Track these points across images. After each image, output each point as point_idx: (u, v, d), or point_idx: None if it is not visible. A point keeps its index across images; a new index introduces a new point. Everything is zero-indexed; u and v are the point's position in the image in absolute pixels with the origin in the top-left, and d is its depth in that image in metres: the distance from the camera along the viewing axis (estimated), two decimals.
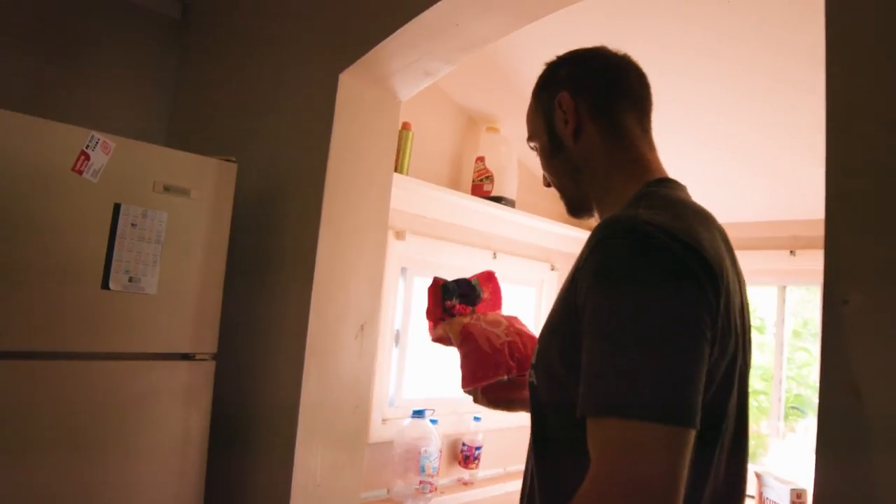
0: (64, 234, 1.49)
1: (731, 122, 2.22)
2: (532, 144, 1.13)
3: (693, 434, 0.72)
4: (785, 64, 1.89)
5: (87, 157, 1.50)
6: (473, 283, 1.28)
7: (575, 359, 0.80)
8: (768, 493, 2.33)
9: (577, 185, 1.07)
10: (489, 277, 1.33)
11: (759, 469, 2.46)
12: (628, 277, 0.77)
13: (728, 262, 0.89)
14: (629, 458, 0.71)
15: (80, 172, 1.49)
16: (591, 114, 1.02)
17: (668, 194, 0.94)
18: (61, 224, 1.49)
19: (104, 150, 1.52)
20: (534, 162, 2.94)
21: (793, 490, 2.22)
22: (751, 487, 2.44)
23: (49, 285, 1.46)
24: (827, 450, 0.79)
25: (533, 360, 0.97)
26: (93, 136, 1.51)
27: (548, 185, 1.15)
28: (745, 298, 0.97)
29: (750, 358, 0.95)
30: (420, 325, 2.58)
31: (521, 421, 2.86)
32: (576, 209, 1.11)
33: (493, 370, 1.18)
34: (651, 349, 0.73)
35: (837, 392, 0.79)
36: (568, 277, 0.91)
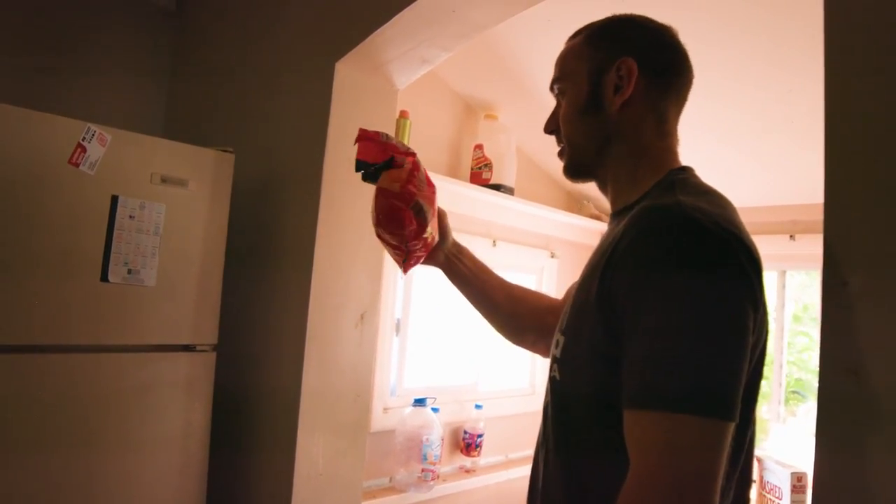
0: (62, 227, 1.49)
1: (729, 109, 2.21)
2: (558, 87, 1.03)
3: (732, 427, 0.72)
4: (782, 50, 1.88)
5: (84, 150, 1.49)
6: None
7: (610, 350, 0.79)
8: (769, 477, 2.34)
9: (597, 153, 0.99)
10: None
11: (760, 453, 2.47)
12: (678, 268, 0.75)
13: None
14: (673, 454, 0.70)
15: (77, 165, 1.49)
16: (646, 93, 0.95)
17: (696, 182, 0.92)
18: (59, 217, 1.48)
19: (101, 143, 1.51)
20: (532, 149, 2.94)
21: (793, 473, 2.23)
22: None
23: (48, 278, 1.46)
24: (826, 432, 0.80)
25: (556, 353, 0.94)
26: (89, 129, 1.50)
27: (551, 132, 1.06)
28: None
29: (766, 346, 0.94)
30: (420, 314, 2.59)
31: (523, 408, 2.88)
32: (577, 172, 1.04)
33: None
34: (700, 344, 0.72)
35: (837, 374, 0.79)
36: (593, 266, 0.87)
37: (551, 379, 0.94)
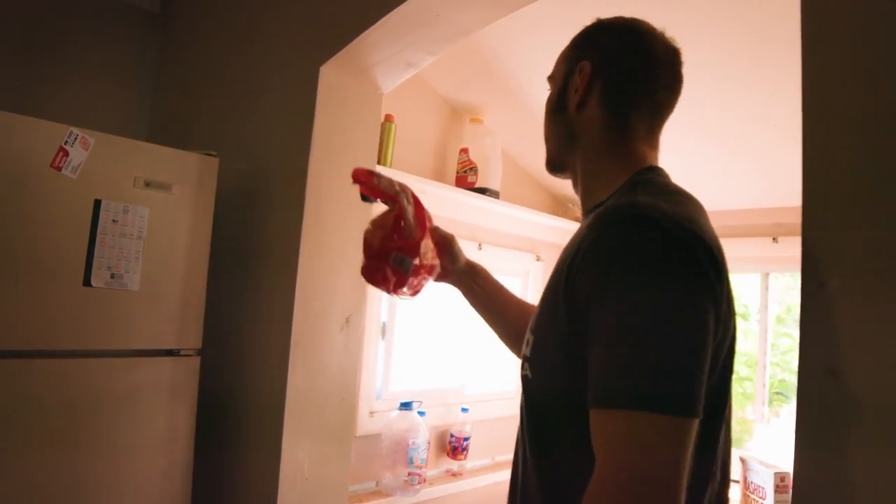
0: (44, 232, 1.47)
1: (713, 110, 2.23)
2: (549, 86, 1.09)
3: (696, 424, 0.72)
4: (766, 50, 1.90)
5: (66, 154, 1.48)
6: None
7: (574, 348, 0.80)
8: (752, 477, 2.35)
9: (566, 149, 1.04)
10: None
11: (744, 454, 2.49)
12: (635, 268, 0.76)
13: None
14: (637, 451, 0.71)
15: (59, 169, 1.48)
16: (601, 97, 0.98)
17: (661, 182, 0.94)
18: (41, 221, 1.47)
19: (83, 146, 1.51)
20: (517, 152, 2.95)
21: (776, 473, 2.25)
22: (736, 472, 2.47)
23: (30, 283, 1.45)
24: (806, 431, 0.81)
25: (526, 352, 0.95)
26: (71, 132, 1.49)
27: None
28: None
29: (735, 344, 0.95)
30: (406, 318, 2.59)
31: (509, 411, 2.88)
32: (554, 167, 1.09)
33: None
34: (659, 342, 0.73)
35: (815, 374, 0.80)
36: (560, 267, 0.89)
37: (523, 377, 0.95)
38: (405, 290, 1.20)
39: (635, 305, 0.75)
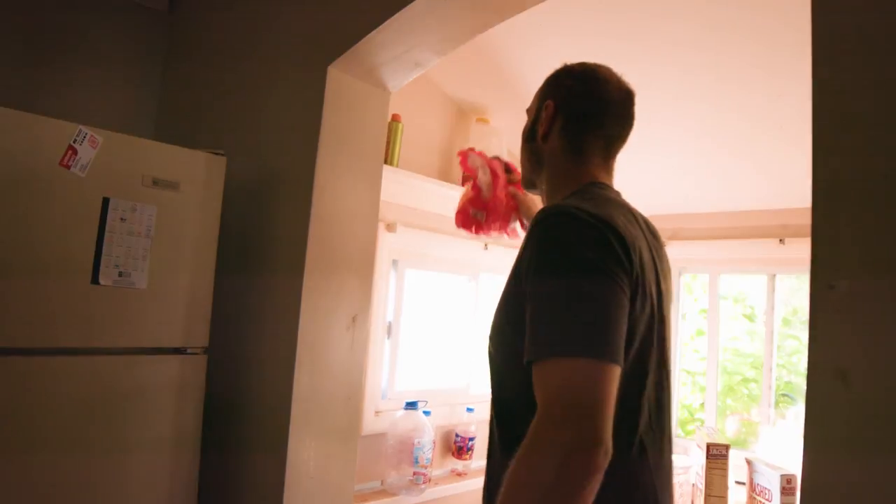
0: (52, 230, 1.48)
1: (719, 113, 2.22)
2: (526, 116, 1.31)
3: (618, 370, 0.89)
4: (772, 54, 1.89)
5: (75, 152, 1.49)
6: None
7: (523, 324, 0.96)
8: (759, 479, 2.35)
9: (535, 172, 1.27)
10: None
11: (750, 456, 2.48)
12: (558, 247, 0.96)
13: (644, 244, 1.06)
14: (568, 389, 0.86)
15: (68, 167, 1.49)
16: (562, 130, 1.20)
17: (596, 192, 1.13)
18: (49, 219, 1.48)
19: (91, 145, 1.51)
20: None
21: (783, 476, 2.24)
22: (742, 474, 2.46)
23: (38, 281, 1.46)
24: (814, 434, 0.80)
25: (489, 332, 1.13)
26: (80, 131, 1.50)
27: None
28: (665, 285, 1.14)
29: (669, 344, 1.12)
30: (412, 315, 2.59)
31: None
32: (526, 185, 1.33)
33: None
34: (580, 301, 0.91)
35: (824, 377, 0.80)
36: (516, 260, 1.07)
37: (488, 353, 1.13)
38: (485, 233, 1.66)
39: (556, 275, 0.94)
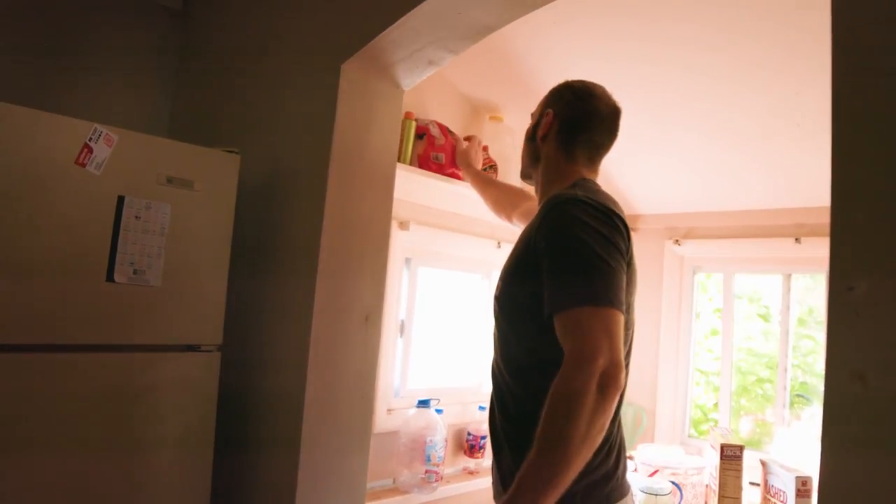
0: (68, 227, 1.49)
1: (732, 113, 2.21)
2: (530, 118, 1.61)
3: (621, 315, 1.17)
4: (786, 55, 1.88)
5: (91, 150, 1.50)
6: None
7: (537, 289, 1.23)
8: (773, 481, 2.33)
9: (531, 165, 1.57)
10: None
11: (765, 457, 2.46)
12: (575, 225, 1.23)
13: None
14: (601, 329, 1.13)
15: (84, 165, 1.50)
16: (557, 135, 1.49)
17: (589, 185, 1.39)
18: (65, 217, 1.49)
19: (107, 143, 1.52)
20: None
21: (798, 478, 2.22)
22: (756, 475, 2.44)
23: (54, 278, 1.47)
24: (832, 436, 0.79)
25: (497, 293, 1.41)
26: (95, 129, 1.51)
27: None
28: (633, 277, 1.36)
29: (632, 330, 1.39)
30: (425, 315, 2.59)
31: None
32: (523, 176, 1.64)
33: None
34: (595, 264, 1.19)
35: (843, 378, 0.78)
36: (522, 237, 1.40)
37: (494, 315, 1.43)
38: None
39: (573, 244, 1.21)
